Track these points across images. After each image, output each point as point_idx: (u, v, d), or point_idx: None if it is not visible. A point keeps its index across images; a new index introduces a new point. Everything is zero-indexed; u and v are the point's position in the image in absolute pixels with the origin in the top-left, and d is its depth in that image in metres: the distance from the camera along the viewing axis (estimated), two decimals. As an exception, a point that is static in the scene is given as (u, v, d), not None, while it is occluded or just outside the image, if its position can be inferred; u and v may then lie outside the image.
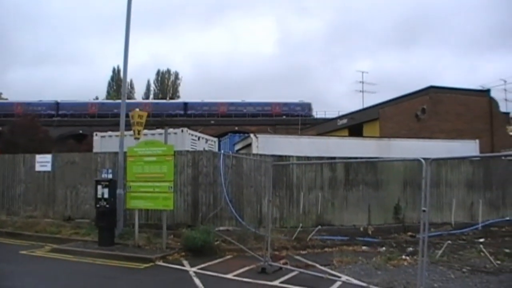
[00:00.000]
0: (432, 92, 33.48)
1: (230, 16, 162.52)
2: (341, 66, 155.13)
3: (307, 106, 77.02)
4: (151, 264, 12.80)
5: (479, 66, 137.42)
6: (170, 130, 19.73)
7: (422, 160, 8.15)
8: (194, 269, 12.05)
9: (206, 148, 20.31)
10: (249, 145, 21.49)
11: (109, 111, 70.55)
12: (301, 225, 16.87)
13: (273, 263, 11.90)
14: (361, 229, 17.80)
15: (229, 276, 11.33)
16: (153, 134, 20.67)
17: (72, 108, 74.11)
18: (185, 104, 77.69)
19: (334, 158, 17.91)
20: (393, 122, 36.05)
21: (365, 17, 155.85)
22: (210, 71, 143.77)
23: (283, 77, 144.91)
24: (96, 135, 23.55)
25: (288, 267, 11.94)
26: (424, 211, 7.94)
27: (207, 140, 23.28)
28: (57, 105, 75.37)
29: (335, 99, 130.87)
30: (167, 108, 76.14)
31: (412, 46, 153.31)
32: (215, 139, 25.70)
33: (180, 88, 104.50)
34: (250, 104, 76.68)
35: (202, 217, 16.47)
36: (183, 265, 12.64)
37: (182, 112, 75.99)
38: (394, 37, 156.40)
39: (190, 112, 76.12)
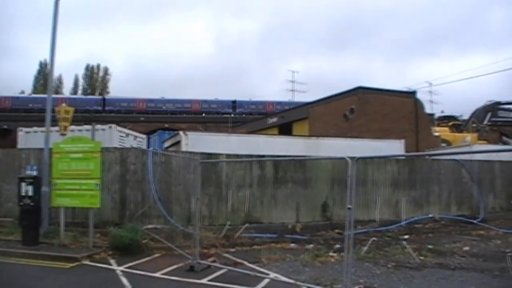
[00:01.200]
0: (360, 92, 34.04)
1: (167, 14, 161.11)
2: (275, 66, 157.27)
3: None
4: (77, 263, 12.52)
5: (407, 70, 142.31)
6: (98, 126, 19.35)
7: (348, 159, 8.30)
8: (121, 268, 11.88)
9: (135, 145, 20.04)
10: (178, 142, 21.32)
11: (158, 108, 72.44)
12: (229, 222, 16.85)
13: (201, 261, 11.86)
14: (290, 226, 17.98)
15: (157, 274, 11.23)
16: (80, 130, 20.17)
17: (119, 104, 72.74)
18: (234, 102, 76.70)
19: (263, 156, 18.07)
20: (322, 121, 36.46)
21: (299, 20, 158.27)
22: (145, 68, 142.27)
23: (219, 75, 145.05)
24: (21, 130, 22.78)
25: (217, 265, 11.92)
26: (349, 208, 8.09)
27: (135, 137, 22.94)
28: (103, 100, 74.08)
29: (269, 98, 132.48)
30: (216, 106, 75.72)
31: (344, 49, 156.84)
32: (144, 136, 25.37)
33: (110, 84, 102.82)
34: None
35: (130, 215, 16.25)
36: (110, 264, 12.43)
37: (230, 110, 75.34)
38: (327, 40, 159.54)
39: (239, 110, 75.72)
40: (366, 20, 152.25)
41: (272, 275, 11.09)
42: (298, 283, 9.94)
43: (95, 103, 73.13)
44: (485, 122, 44.17)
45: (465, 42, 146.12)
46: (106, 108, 71.82)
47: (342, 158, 8.56)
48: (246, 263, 12.60)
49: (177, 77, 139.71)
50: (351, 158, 8.33)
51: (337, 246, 14.92)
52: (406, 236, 17.59)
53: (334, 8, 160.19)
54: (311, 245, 15.52)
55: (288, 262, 12.72)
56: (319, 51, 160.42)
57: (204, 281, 10.55)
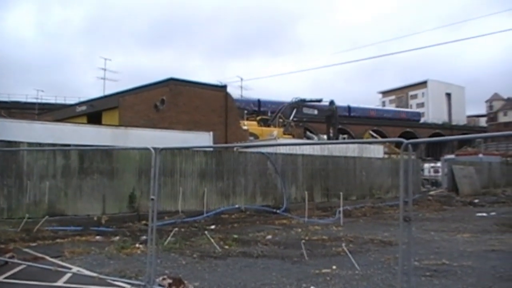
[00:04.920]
0: (172, 84, 34.06)
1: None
2: (96, 57, 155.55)
3: (418, 114, 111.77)
4: None
5: (224, 69, 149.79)
6: None
7: (152, 149, 8.19)
8: None
9: None
10: (-26, 129, 19.87)
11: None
12: (27, 215, 15.98)
13: (-3, 258, 11.11)
14: (95, 218, 17.53)
15: None
16: None
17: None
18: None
19: (68, 145, 17.42)
20: (133, 111, 36.01)
21: (123, 14, 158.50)
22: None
23: (39, 62, 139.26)
24: None
25: (15, 261, 11.19)
26: (152, 199, 8.02)
27: None
28: None
29: (88, 88, 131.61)
30: None
31: (164, 46, 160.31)
32: None
33: None
34: None
35: None
36: None
37: None
38: (148, 36, 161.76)
39: None
40: (187, 21, 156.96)
41: (75, 269, 10.69)
42: (102, 276, 9.65)
43: None
44: (291, 117, 46.29)
45: (275, 47, 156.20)
46: None
47: (147, 149, 8.44)
48: (47, 257, 11.99)
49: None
50: (155, 148, 8.23)
51: (144, 237, 14.78)
52: (213, 227, 17.94)
53: (156, 6, 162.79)
54: (117, 237, 15.24)
55: (92, 255, 12.34)
56: (141, 46, 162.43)
57: (0, 279, 9.89)
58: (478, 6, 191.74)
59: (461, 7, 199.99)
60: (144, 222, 17.44)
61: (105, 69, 59.06)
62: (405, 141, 5.62)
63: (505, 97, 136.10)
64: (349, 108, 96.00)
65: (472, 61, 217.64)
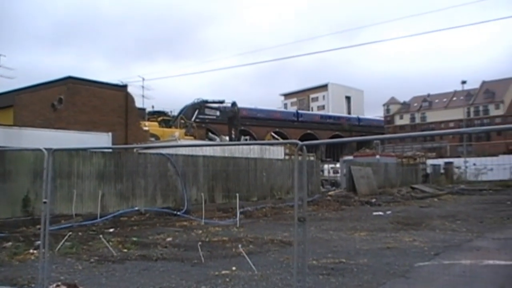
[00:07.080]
0: (70, 82, 33.16)
1: None
2: None
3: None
4: None
5: (128, 71, 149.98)
6: None
7: (44, 150, 7.90)
8: None
9: None
10: None
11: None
12: None
13: None
14: (-14, 224, 16.74)
15: None
16: None
17: None
18: None
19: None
20: (29, 110, 34.71)
21: (23, 14, 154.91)
22: None
23: None
24: None
25: None
26: (45, 202, 7.74)
27: None
28: None
29: None
30: None
31: (68, 46, 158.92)
32: None
33: None
34: None
35: None
36: None
37: None
38: (51, 36, 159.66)
39: None
40: (92, 22, 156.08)
41: (-41, 279, 10.16)
42: (-10, 285, 9.24)
43: None
44: (193, 118, 46.27)
45: (179, 49, 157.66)
46: None
47: (39, 150, 8.13)
48: None
49: None
50: (48, 149, 7.94)
51: (38, 242, 14.23)
52: (111, 230, 17.57)
53: (58, 7, 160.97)
54: (9, 243, 14.56)
55: (-19, 263, 11.79)
56: (41, 46, 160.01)
57: None
58: (373, 15, 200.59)
59: (357, 15, 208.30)
60: (39, 226, 16.68)
61: (-1, 66, 56.21)
62: (299, 142, 5.78)
63: (401, 101, 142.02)
64: (358, 119, 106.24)
65: (370, 66, 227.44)
